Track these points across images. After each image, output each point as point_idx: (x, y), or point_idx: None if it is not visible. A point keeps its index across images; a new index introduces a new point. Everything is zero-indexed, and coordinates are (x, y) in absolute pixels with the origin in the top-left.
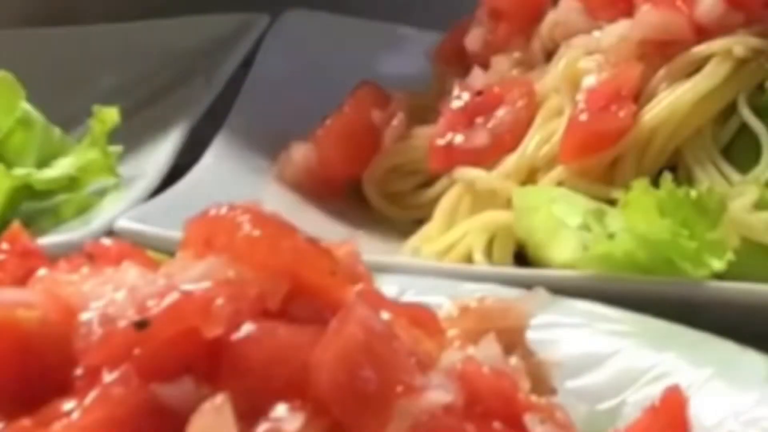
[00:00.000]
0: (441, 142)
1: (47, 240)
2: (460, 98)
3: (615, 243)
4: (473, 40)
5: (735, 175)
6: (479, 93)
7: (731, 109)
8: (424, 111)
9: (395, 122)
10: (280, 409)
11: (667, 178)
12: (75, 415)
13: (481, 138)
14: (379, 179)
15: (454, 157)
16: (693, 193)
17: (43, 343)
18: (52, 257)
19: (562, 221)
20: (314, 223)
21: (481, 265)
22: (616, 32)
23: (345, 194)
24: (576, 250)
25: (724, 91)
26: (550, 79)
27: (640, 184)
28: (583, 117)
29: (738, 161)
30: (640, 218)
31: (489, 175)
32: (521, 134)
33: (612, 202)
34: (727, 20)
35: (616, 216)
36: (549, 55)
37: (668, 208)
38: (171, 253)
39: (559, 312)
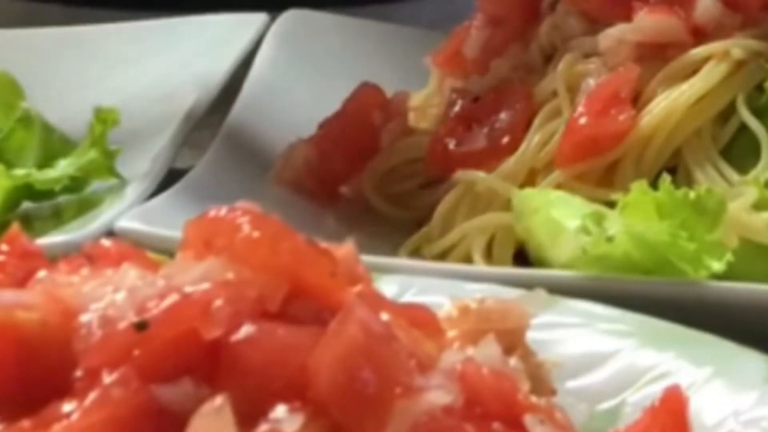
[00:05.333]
0: (439, 146)
1: (47, 240)
2: (458, 104)
3: (614, 245)
4: (471, 46)
5: (734, 176)
6: (476, 99)
7: (730, 110)
8: (424, 112)
9: (395, 123)
10: (280, 411)
11: (666, 179)
12: (75, 417)
13: (479, 142)
14: (379, 180)
15: (452, 162)
16: (692, 195)
17: (42, 344)
18: (52, 257)
19: (561, 224)
20: (314, 223)
21: (480, 265)
22: (614, 35)
23: (345, 194)
24: (575, 252)
25: (723, 93)
26: (548, 81)
27: (639, 186)
28: (582, 121)
29: (737, 162)
30: (639, 220)
31: (489, 177)
32: (519, 138)
33: (611, 204)
34: (724, 22)
35: (615, 218)
36: (548, 58)
37: (667, 210)
38: (171, 254)
39: (559, 312)
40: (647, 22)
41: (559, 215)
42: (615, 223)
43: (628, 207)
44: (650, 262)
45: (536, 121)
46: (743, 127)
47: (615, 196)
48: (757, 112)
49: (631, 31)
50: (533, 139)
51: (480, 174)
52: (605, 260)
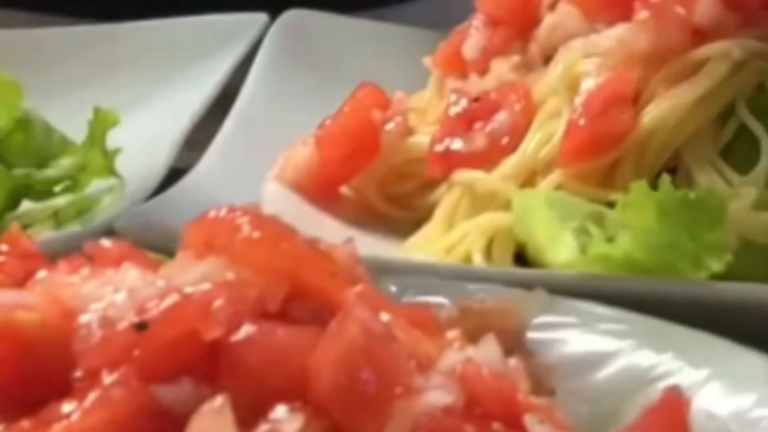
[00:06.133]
0: (439, 147)
1: (47, 240)
2: (457, 104)
3: (614, 245)
4: (471, 47)
5: (734, 176)
6: (476, 99)
7: (730, 110)
8: (424, 112)
9: (395, 123)
10: (280, 411)
11: (666, 179)
12: (74, 417)
13: (479, 142)
14: (379, 180)
15: (452, 162)
16: (692, 195)
17: (42, 345)
18: (52, 257)
19: (561, 224)
20: (314, 223)
21: (480, 265)
22: (614, 35)
23: (345, 194)
24: (575, 252)
25: (722, 93)
26: (548, 81)
27: (639, 186)
28: (582, 121)
29: (737, 162)
30: (639, 220)
31: (489, 177)
32: (519, 138)
33: (611, 205)
34: (724, 22)
35: (615, 218)
36: (547, 59)
37: (667, 210)
38: (171, 254)
39: (559, 312)
40: (647, 23)
41: (559, 215)
42: (615, 223)
43: (628, 207)
44: (650, 262)
45: (536, 121)
46: (743, 127)
47: (615, 196)
48: (757, 112)
49: (631, 31)
50: (533, 139)
51: (480, 174)
52: (605, 260)
